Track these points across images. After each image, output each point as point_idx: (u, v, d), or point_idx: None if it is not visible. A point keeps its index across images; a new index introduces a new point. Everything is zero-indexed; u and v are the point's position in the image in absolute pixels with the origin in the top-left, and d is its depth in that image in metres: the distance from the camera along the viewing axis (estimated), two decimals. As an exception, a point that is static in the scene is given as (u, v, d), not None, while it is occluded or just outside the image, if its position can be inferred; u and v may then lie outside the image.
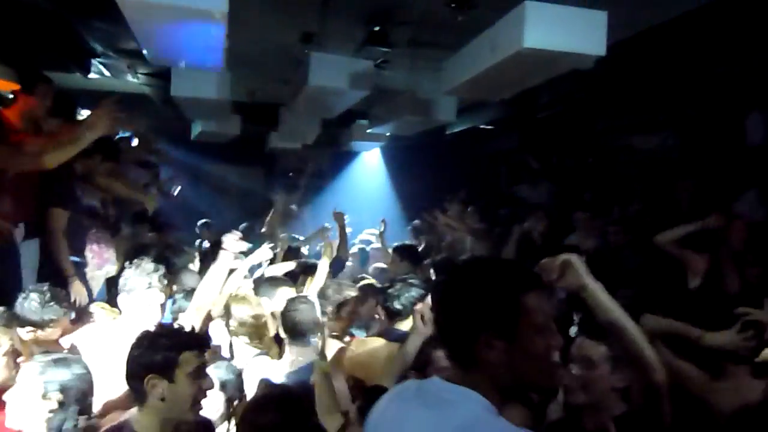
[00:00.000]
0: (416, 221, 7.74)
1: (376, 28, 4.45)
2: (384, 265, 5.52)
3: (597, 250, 5.15)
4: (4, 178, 3.43)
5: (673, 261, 4.09)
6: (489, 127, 7.73)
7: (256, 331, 3.14)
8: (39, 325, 2.77)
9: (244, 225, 7.25)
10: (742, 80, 4.67)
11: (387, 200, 9.84)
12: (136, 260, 2.96)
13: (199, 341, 2.10)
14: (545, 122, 6.79)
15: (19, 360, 2.31)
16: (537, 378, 1.31)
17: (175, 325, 2.23)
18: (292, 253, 5.36)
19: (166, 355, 1.95)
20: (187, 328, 2.14)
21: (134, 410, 2.02)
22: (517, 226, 5.68)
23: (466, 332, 1.31)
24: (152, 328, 2.09)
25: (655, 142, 6.21)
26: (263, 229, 6.41)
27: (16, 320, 2.62)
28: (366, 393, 2.21)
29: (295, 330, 2.92)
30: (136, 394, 1.98)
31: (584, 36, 2.90)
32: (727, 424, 2.32)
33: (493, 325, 1.28)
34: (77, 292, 3.84)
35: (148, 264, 2.90)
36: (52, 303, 2.82)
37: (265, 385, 2.24)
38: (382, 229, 6.05)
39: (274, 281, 3.91)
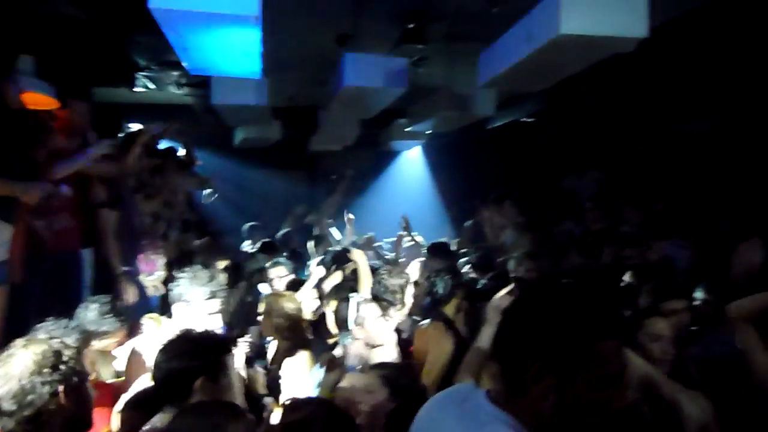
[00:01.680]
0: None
1: (411, 26, 4.43)
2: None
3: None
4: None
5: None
6: (530, 119, 7.58)
7: (295, 326, 3.23)
8: (95, 335, 2.84)
9: (284, 231, 7.34)
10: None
11: (429, 198, 9.78)
12: (188, 270, 2.92)
13: (232, 344, 2.20)
14: (589, 112, 6.60)
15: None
16: (576, 427, 1.20)
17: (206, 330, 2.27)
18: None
19: (212, 358, 2.03)
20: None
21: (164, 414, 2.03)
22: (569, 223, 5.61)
23: (521, 357, 1.22)
24: (190, 334, 2.14)
25: (706, 128, 5.96)
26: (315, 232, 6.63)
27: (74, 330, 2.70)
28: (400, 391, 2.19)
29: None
30: (178, 394, 2.00)
31: (624, 18, 2.80)
32: None
33: (550, 359, 1.18)
34: (126, 290, 3.97)
35: (202, 273, 2.87)
36: (110, 315, 2.88)
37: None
38: (404, 225, 6.16)
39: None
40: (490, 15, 3.85)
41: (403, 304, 3.43)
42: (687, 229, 4.94)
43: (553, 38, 2.85)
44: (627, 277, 3.78)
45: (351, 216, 6.71)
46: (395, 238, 6.41)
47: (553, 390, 1.17)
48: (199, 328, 2.21)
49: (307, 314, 3.59)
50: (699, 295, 3.32)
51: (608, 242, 5.15)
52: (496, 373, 1.30)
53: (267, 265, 4.75)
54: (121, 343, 2.99)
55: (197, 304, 2.80)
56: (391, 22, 4.46)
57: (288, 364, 3.11)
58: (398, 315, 3.42)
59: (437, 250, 5.18)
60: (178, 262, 4.84)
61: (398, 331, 3.37)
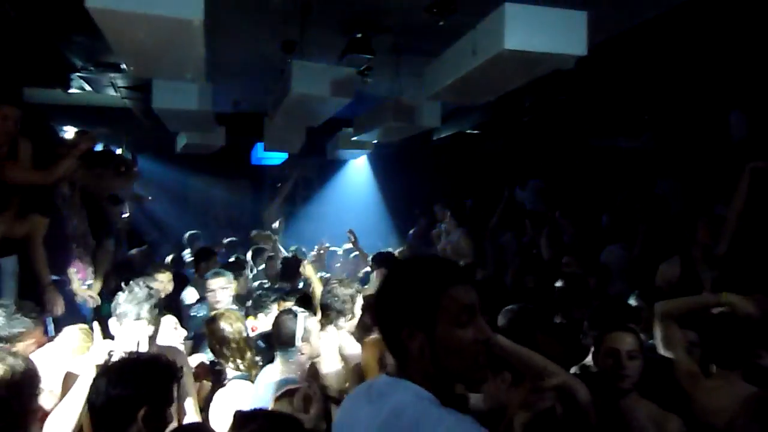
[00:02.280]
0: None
1: (358, 36, 4.45)
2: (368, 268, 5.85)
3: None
4: None
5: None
6: (475, 131, 7.74)
7: (238, 348, 3.10)
8: (8, 339, 2.67)
9: (228, 240, 7.20)
10: (723, 79, 4.70)
11: (375, 207, 9.82)
12: (130, 284, 2.73)
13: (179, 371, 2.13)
14: (530, 126, 6.80)
15: None
16: (459, 370, 1.37)
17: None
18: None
19: (159, 387, 1.98)
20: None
21: None
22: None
23: (394, 324, 1.40)
24: (137, 358, 2.07)
25: (639, 143, 6.25)
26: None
27: None
28: None
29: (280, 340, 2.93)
30: (117, 423, 1.92)
31: (565, 36, 2.90)
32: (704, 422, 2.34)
33: (412, 318, 1.37)
34: (52, 301, 3.78)
35: (141, 291, 2.67)
36: (17, 315, 2.72)
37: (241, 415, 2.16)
38: (352, 239, 6.24)
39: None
40: (436, 28, 3.91)
41: (353, 314, 3.41)
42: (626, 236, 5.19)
43: (497, 53, 2.92)
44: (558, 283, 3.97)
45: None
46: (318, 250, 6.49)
47: (426, 342, 1.36)
48: (146, 352, 2.16)
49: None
50: (632, 301, 3.49)
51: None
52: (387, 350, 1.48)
53: (207, 275, 4.39)
54: (40, 344, 2.82)
55: (127, 323, 2.61)
56: (337, 32, 4.46)
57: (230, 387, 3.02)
58: (348, 325, 3.41)
59: (382, 261, 5.29)
60: (115, 272, 4.66)
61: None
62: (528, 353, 2.11)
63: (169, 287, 4.43)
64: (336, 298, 3.36)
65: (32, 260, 3.84)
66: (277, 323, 2.98)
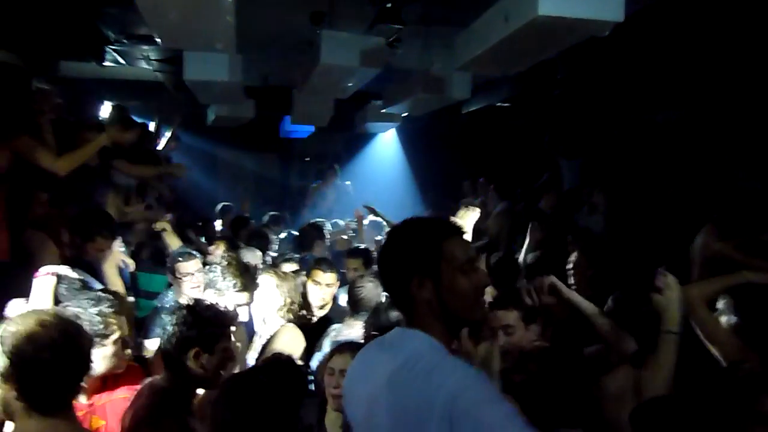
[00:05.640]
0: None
1: (388, 5, 4.39)
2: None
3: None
4: None
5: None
6: (505, 104, 7.62)
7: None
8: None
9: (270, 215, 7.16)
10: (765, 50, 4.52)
11: (404, 181, 9.79)
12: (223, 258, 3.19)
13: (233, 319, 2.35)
14: (562, 99, 6.66)
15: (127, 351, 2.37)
16: (464, 311, 1.52)
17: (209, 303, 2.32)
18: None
19: (213, 330, 2.17)
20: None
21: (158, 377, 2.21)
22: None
23: (401, 277, 1.52)
24: (194, 305, 2.24)
25: (677, 117, 6.06)
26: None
27: None
28: None
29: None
30: (174, 363, 2.15)
31: (600, 1, 2.82)
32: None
33: (420, 267, 1.50)
34: None
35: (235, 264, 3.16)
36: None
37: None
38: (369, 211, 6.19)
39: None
40: (467, -3, 3.85)
41: None
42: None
43: (530, 20, 2.86)
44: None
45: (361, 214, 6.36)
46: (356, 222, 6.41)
47: (432, 289, 1.49)
48: (207, 301, 2.30)
49: None
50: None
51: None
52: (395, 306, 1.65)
53: (179, 258, 3.66)
54: None
55: (229, 295, 2.96)
56: (366, 2, 4.41)
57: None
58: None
59: None
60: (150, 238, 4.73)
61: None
62: (578, 298, 2.33)
63: None
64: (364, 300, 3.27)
65: None
66: (364, 289, 3.16)
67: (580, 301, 2.33)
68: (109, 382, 2.33)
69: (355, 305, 3.25)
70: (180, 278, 3.57)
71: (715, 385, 1.93)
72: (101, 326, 2.19)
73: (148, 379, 2.26)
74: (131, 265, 3.83)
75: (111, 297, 2.37)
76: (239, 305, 3.06)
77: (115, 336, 2.25)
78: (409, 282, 1.50)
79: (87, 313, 2.18)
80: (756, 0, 3.79)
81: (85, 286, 2.57)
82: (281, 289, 3.21)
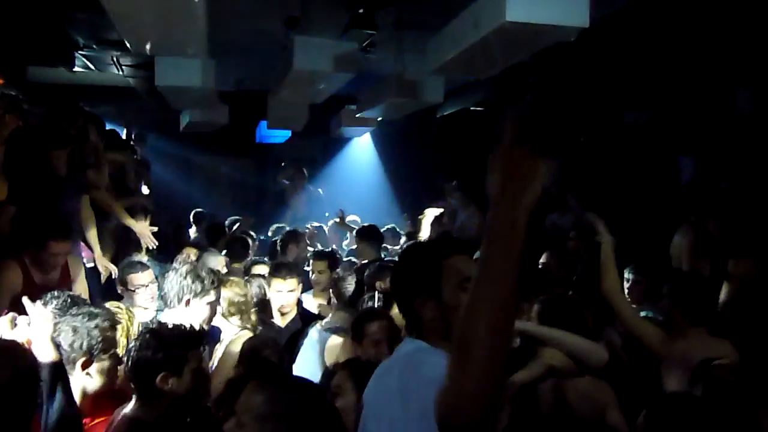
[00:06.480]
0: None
1: (360, 11, 4.42)
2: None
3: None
4: None
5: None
6: (479, 108, 7.70)
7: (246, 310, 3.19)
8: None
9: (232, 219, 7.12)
10: (729, 54, 4.65)
11: (379, 185, 9.82)
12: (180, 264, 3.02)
13: (203, 338, 2.26)
14: (534, 102, 6.74)
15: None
16: None
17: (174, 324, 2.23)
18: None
19: (179, 352, 2.07)
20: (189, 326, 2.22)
21: (132, 405, 2.08)
22: None
23: (407, 298, 1.58)
24: (157, 327, 2.16)
25: (645, 119, 6.20)
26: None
27: None
28: None
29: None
30: (143, 389, 2.05)
31: (566, 8, 2.89)
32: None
33: (422, 287, 1.54)
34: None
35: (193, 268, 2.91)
36: None
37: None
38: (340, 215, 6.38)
39: None
40: (438, 3, 3.90)
41: None
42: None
43: (498, 26, 2.92)
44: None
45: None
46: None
47: (436, 308, 1.52)
48: (172, 323, 2.20)
49: None
50: (627, 275, 3.54)
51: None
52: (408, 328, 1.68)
53: (131, 270, 3.43)
54: None
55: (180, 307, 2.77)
56: (340, 7, 4.43)
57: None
58: None
59: (365, 234, 4.92)
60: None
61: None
62: (548, 332, 2.13)
63: None
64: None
65: None
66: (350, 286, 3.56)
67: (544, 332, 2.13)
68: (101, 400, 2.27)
69: (339, 299, 3.63)
70: (133, 290, 3.35)
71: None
72: (99, 340, 2.16)
73: (121, 410, 2.12)
74: (114, 270, 3.79)
75: (104, 312, 2.34)
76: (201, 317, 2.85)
77: (114, 350, 2.24)
78: (413, 301, 1.54)
79: (84, 327, 2.15)
80: (716, 3, 3.90)
81: (75, 302, 2.52)
82: (229, 295, 3.17)
